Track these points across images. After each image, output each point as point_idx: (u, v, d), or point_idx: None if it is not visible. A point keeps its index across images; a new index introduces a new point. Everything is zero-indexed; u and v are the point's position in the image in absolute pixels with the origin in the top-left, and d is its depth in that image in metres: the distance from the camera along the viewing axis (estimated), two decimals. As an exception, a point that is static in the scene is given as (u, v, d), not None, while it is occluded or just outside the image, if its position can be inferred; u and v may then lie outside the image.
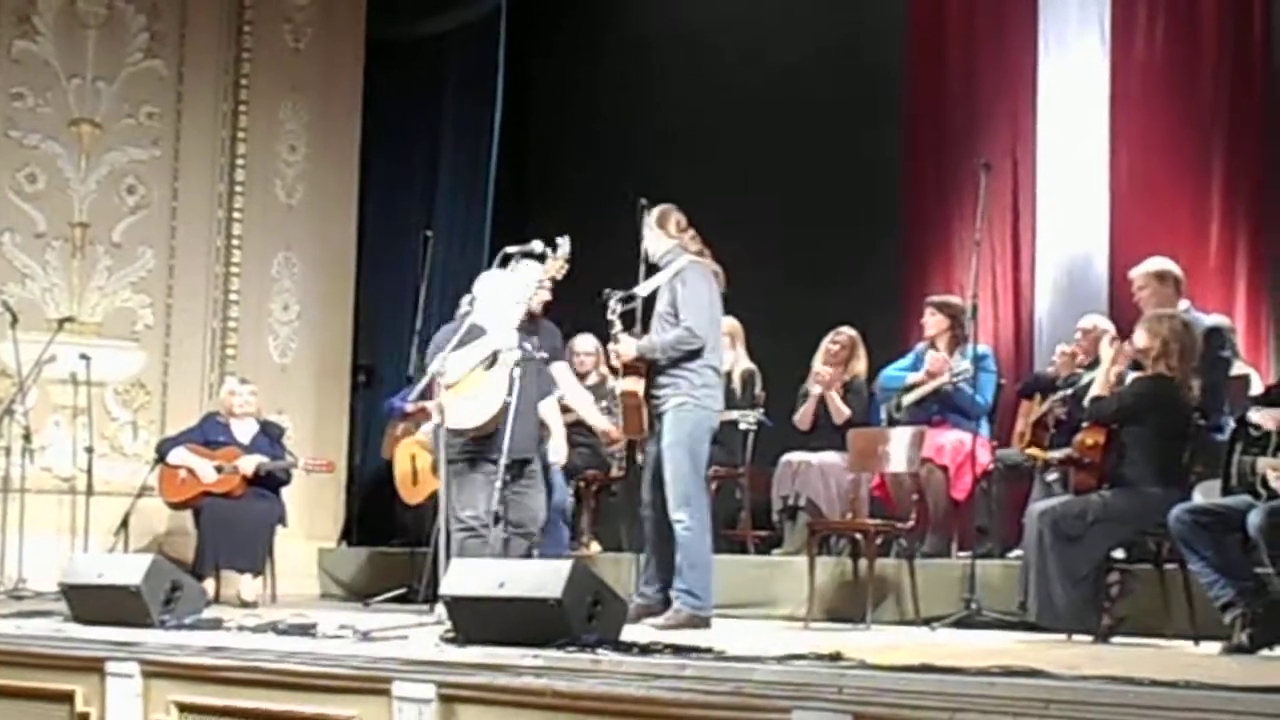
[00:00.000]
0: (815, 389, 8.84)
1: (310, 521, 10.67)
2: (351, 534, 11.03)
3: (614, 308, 7.13)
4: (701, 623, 6.74)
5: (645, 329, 7.18)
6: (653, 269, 7.22)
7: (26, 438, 9.65)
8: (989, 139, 9.58)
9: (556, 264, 7.14)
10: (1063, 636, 6.32)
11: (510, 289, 7.26)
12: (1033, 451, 7.63)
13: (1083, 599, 6.24)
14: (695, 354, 6.96)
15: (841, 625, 7.37)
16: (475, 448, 7.07)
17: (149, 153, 10.94)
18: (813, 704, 4.35)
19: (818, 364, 8.96)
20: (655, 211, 7.25)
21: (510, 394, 6.80)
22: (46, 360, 9.81)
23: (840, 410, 8.82)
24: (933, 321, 8.49)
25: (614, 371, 7.21)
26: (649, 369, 7.01)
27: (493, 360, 7.07)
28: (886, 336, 9.09)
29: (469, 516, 7.01)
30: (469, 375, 7.09)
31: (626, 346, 6.98)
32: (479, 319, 7.22)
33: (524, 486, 7.16)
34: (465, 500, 7.01)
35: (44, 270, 10.56)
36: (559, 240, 7.13)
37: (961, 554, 7.95)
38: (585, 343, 9.39)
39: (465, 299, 7.63)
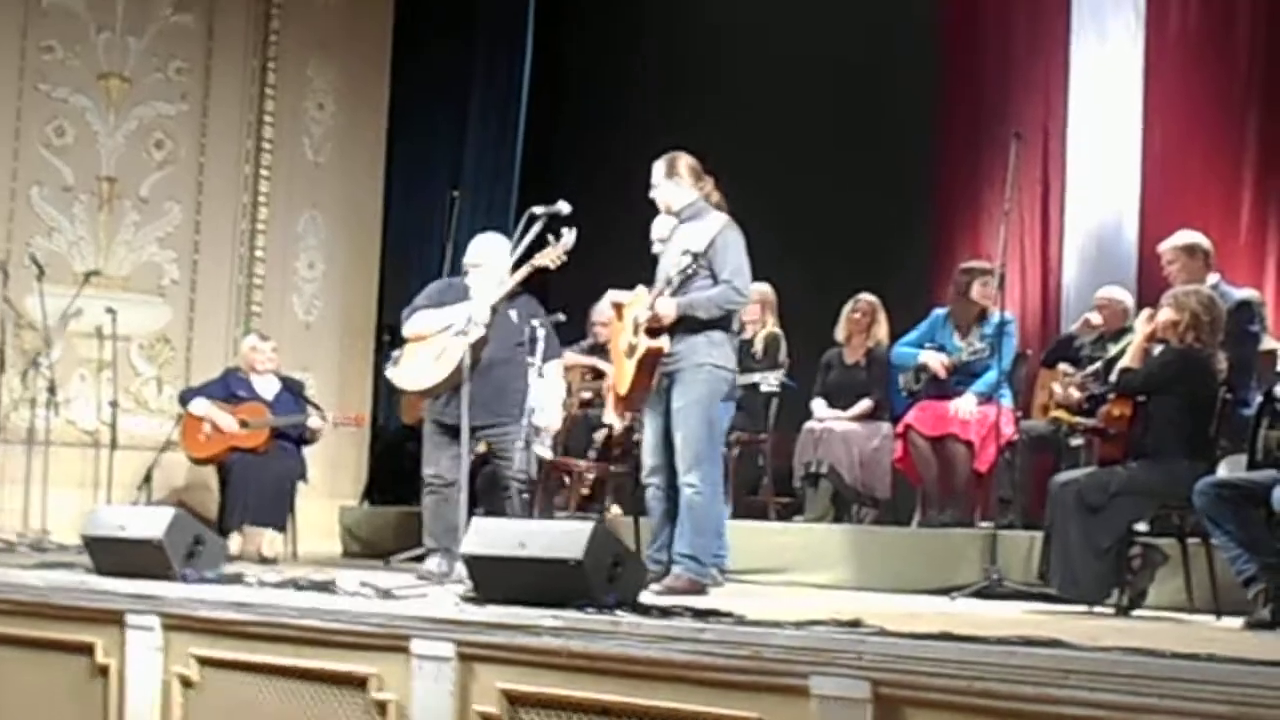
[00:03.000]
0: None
1: (332, 480, 10.70)
2: (373, 493, 11.04)
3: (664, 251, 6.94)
4: (700, 589, 6.56)
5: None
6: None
7: (52, 390, 9.67)
8: (1021, 110, 9.56)
9: (555, 253, 7.08)
10: (1084, 608, 6.30)
11: (500, 264, 7.30)
12: (1059, 414, 7.59)
13: (1105, 571, 6.21)
14: (724, 316, 6.76)
15: (862, 592, 7.36)
16: (440, 410, 7.36)
17: (177, 108, 10.94)
18: (831, 670, 4.34)
19: (840, 334, 8.98)
20: (663, 162, 6.94)
21: (454, 367, 7.07)
22: (72, 313, 9.85)
23: None
24: (988, 292, 8.29)
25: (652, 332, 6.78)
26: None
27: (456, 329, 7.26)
28: (915, 303, 9.04)
29: (430, 475, 7.43)
30: (433, 336, 7.31)
31: (668, 307, 6.69)
32: (470, 283, 7.41)
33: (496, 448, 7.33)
34: (427, 458, 7.46)
35: (71, 223, 10.58)
36: (564, 231, 7.05)
37: (983, 524, 7.92)
38: (602, 311, 9.35)
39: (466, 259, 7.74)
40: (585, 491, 9.42)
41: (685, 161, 6.96)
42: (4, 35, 10.38)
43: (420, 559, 8.36)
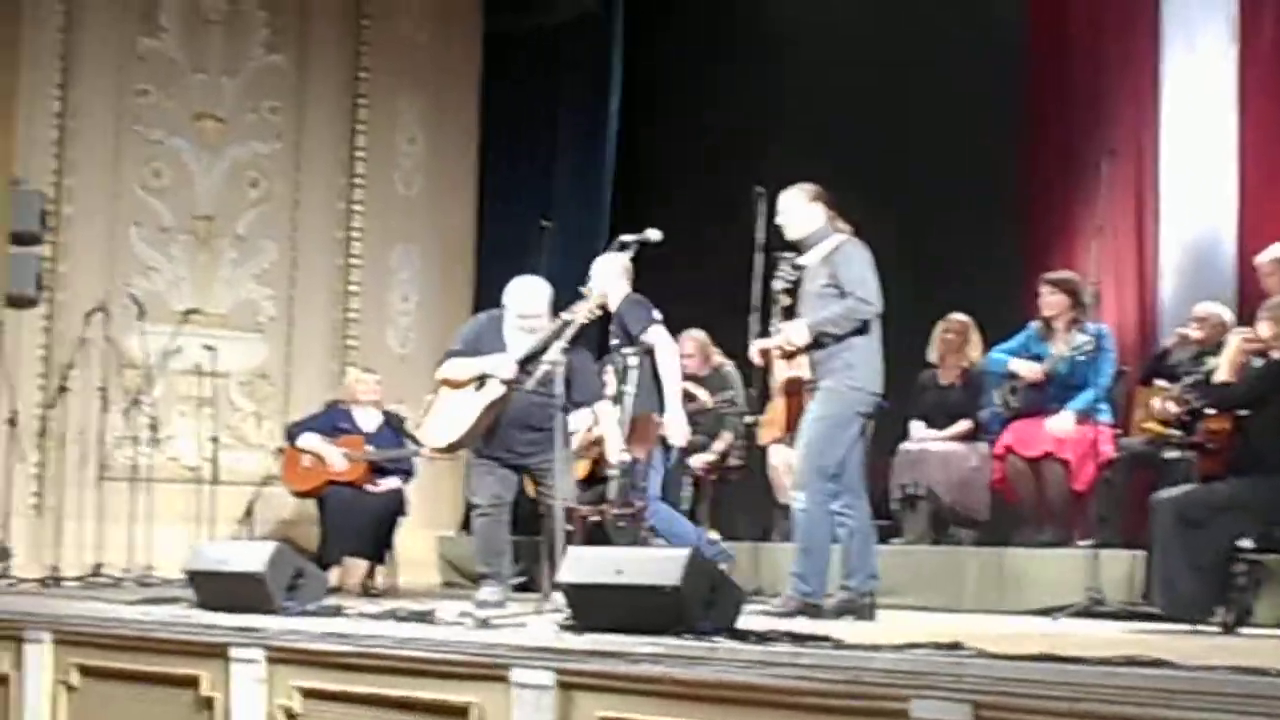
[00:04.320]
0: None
1: (431, 510, 10.75)
2: (471, 523, 11.07)
3: (785, 273, 6.92)
4: (812, 610, 6.51)
5: (788, 316, 6.90)
6: (774, 253, 7.02)
7: (154, 428, 9.81)
8: (1112, 126, 9.46)
9: (588, 306, 7.10)
10: (1188, 627, 6.21)
11: (532, 311, 7.41)
12: (1149, 426, 7.51)
13: (1208, 588, 6.12)
14: (857, 331, 6.68)
15: (962, 614, 7.30)
16: (481, 445, 7.53)
17: (271, 146, 11.09)
18: (932, 693, 4.31)
19: (933, 355, 8.95)
20: (806, 188, 6.91)
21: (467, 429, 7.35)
22: (172, 351, 9.98)
23: None
24: (1052, 300, 8.35)
25: (787, 357, 6.81)
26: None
27: (482, 383, 7.37)
28: (1008, 322, 8.97)
29: (477, 500, 7.62)
30: (460, 389, 7.45)
31: (798, 332, 6.69)
32: (507, 329, 7.48)
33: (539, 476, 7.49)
34: (476, 487, 7.62)
35: (170, 263, 10.75)
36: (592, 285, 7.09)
37: (1083, 544, 7.84)
38: (685, 344, 9.42)
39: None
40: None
41: (819, 190, 6.95)
42: (102, 80, 10.58)
43: (521, 587, 8.40)
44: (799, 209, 6.89)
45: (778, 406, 6.93)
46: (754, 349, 7.06)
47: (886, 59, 10.39)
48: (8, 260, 9.86)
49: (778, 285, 6.93)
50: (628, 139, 12.39)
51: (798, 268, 6.88)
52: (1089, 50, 9.84)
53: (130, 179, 10.67)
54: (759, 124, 11.07)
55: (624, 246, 6.95)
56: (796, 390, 6.75)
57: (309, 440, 9.33)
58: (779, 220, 6.96)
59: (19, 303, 9.92)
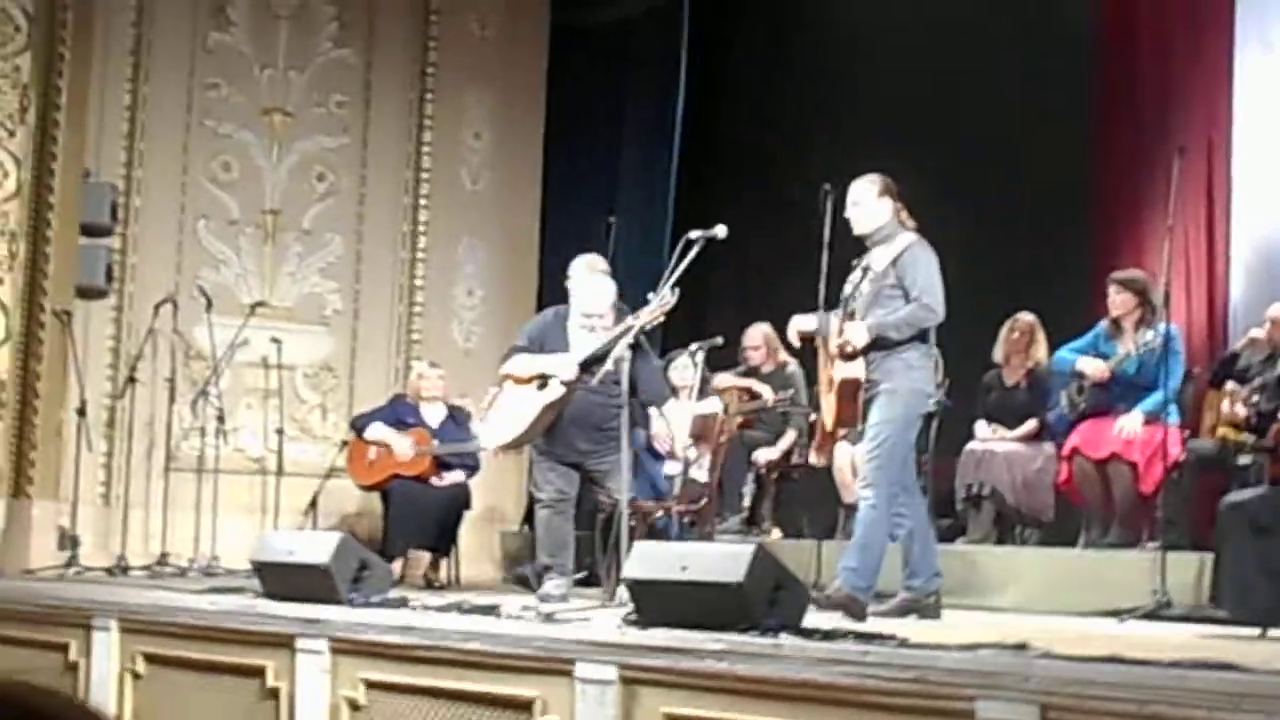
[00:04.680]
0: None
1: (494, 504, 10.78)
2: (534, 516, 11.10)
3: (857, 279, 6.88)
4: (858, 607, 6.42)
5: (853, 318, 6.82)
6: (852, 260, 7.00)
7: (220, 419, 9.89)
8: (1183, 124, 9.38)
9: (652, 312, 7.02)
10: (1257, 632, 6.15)
11: (599, 314, 7.39)
12: (1225, 432, 7.43)
13: (1278, 593, 6.07)
14: (919, 334, 6.68)
15: (1027, 615, 7.26)
16: (543, 442, 7.52)
17: (338, 141, 11.13)
18: (998, 693, 4.29)
19: (998, 355, 8.90)
20: (875, 180, 6.89)
21: (525, 427, 7.35)
22: (239, 344, 10.05)
23: None
24: (1118, 300, 8.29)
25: (846, 358, 6.75)
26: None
27: (543, 382, 7.36)
28: (1078, 323, 8.92)
29: (542, 495, 7.59)
30: (523, 385, 7.43)
31: (858, 334, 6.67)
32: (571, 327, 7.48)
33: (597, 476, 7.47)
34: (541, 482, 7.58)
35: (237, 256, 10.81)
36: (666, 290, 7.00)
37: (1149, 546, 7.78)
38: (753, 336, 9.47)
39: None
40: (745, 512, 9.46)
41: (892, 184, 6.92)
42: (172, 74, 10.64)
43: (584, 582, 8.39)
44: (869, 202, 6.86)
45: (829, 403, 6.88)
46: (792, 330, 7.03)
47: (955, 57, 10.34)
48: (78, 252, 9.96)
49: (848, 289, 6.90)
50: (694, 135, 12.38)
51: (866, 270, 6.86)
52: (1160, 47, 9.76)
53: (199, 172, 10.74)
54: (826, 121, 11.03)
55: (691, 243, 6.94)
56: (852, 391, 6.72)
57: (377, 430, 9.36)
58: (848, 212, 6.93)
59: (89, 294, 10.03)
